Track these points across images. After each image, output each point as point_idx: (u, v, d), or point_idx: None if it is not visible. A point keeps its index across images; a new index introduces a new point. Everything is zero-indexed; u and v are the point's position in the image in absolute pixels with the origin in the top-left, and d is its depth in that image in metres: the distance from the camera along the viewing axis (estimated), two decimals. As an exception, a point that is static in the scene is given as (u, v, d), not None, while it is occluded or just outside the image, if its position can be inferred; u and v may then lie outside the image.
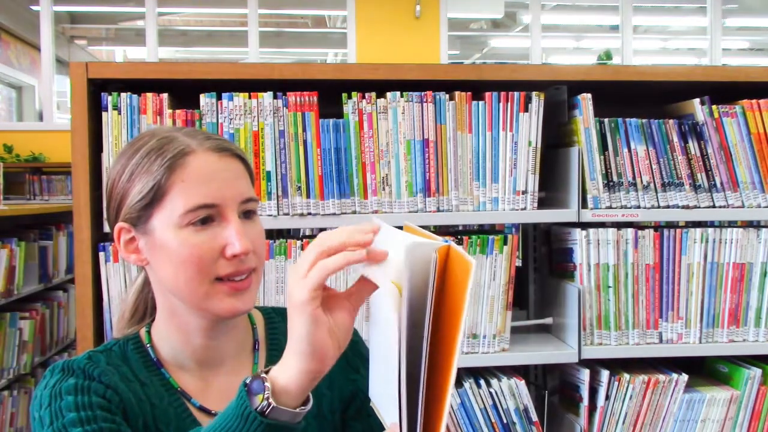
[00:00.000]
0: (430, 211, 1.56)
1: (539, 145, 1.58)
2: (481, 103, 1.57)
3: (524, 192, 1.58)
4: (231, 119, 1.51)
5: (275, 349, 1.01)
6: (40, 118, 6.74)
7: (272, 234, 1.65)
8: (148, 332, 0.98)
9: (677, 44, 9.43)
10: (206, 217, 0.87)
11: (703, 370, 1.78)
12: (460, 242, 1.55)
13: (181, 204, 0.87)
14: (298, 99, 1.53)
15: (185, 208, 0.87)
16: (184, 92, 1.56)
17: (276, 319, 1.05)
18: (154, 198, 0.88)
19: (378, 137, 1.55)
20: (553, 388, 1.79)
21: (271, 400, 0.72)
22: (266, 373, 0.74)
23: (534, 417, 1.58)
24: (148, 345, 0.97)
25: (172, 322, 0.95)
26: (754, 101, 1.63)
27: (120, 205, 0.91)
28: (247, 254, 0.88)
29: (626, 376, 1.60)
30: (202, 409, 0.95)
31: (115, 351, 0.96)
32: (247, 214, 0.91)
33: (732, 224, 1.70)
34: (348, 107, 1.54)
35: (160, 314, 0.97)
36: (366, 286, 0.76)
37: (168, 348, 0.96)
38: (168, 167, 0.88)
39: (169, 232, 0.87)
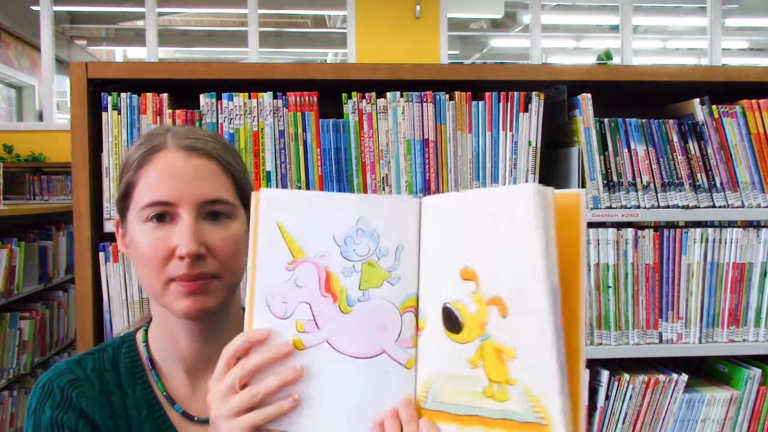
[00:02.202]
0: (430, 211, 1.56)
1: (539, 145, 1.58)
2: (481, 103, 1.57)
3: (524, 192, 1.58)
4: (231, 119, 1.51)
5: None
6: (40, 118, 6.74)
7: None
8: (146, 331, 0.98)
9: (677, 44, 9.44)
10: (161, 214, 0.86)
11: (703, 370, 1.78)
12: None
13: (140, 199, 0.88)
14: (298, 99, 1.53)
15: (141, 204, 0.87)
16: (184, 92, 1.56)
17: None
18: (126, 191, 0.90)
19: (378, 137, 1.55)
20: (553, 388, 1.79)
21: None
22: None
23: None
24: (143, 344, 0.97)
25: (159, 321, 0.95)
26: (754, 101, 1.63)
27: (117, 197, 0.94)
28: (194, 256, 0.84)
29: (626, 376, 1.60)
30: (186, 415, 0.93)
31: (108, 353, 0.96)
32: (215, 216, 0.88)
33: (732, 224, 1.70)
34: (348, 107, 1.54)
35: (152, 313, 0.97)
36: None
37: (159, 349, 0.96)
38: (139, 162, 0.89)
39: (136, 227, 0.88)
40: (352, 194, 0.76)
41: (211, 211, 0.88)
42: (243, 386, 0.72)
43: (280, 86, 1.53)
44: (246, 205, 0.91)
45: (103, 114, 1.49)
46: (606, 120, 1.60)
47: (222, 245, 0.87)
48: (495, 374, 0.67)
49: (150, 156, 0.88)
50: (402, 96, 1.54)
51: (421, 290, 0.73)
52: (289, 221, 0.74)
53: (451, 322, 0.70)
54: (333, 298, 0.73)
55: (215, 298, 0.88)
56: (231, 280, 0.90)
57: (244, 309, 0.99)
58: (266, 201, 0.75)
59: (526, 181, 1.58)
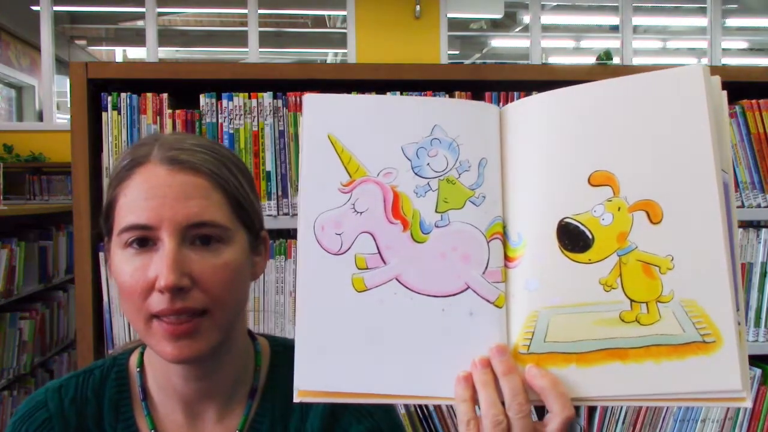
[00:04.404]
0: (430, 211, 1.56)
1: (539, 145, 1.58)
2: (481, 103, 1.57)
3: (524, 192, 1.58)
4: (231, 119, 1.51)
5: (268, 398, 0.86)
6: (40, 118, 6.74)
7: (273, 234, 1.65)
8: (143, 353, 0.87)
9: (677, 44, 9.43)
10: (141, 239, 0.74)
11: (703, 370, 1.78)
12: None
13: (119, 221, 0.76)
14: (298, 99, 1.53)
15: (119, 227, 0.75)
16: (184, 92, 1.57)
17: (280, 359, 0.89)
18: (107, 212, 0.79)
19: (378, 137, 1.55)
20: (553, 388, 1.79)
21: None
22: None
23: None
24: (138, 369, 0.86)
25: (151, 351, 0.83)
26: (754, 101, 1.63)
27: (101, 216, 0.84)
28: (174, 289, 0.71)
29: (626, 376, 1.60)
30: None
31: (96, 376, 0.86)
32: (205, 241, 0.74)
33: (732, 224, 1.70)
34: (348, 107, 1.54)
35: None
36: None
37: (153, 379, 0.85)
38: (120, 178, 0.78)
39: (116, 253, 0.76)
40: (425, 97, 0.62)
41: (199, 235, 0.74)
42: None
43: (280, 86, 1.54)
44: (247, 226, 0.80)
45: (103, 114, 1.49)
46: (606, 120, 1.60)
47: (210, 276, 0.73)
48: (640, 292, 0.58)
49: (131, 171, 0.76)
50: (402, 96, 1.54)
51: (510, 212, 0.63)
52: (343, 133, 0.63)
53: (575, 239, 0.60)
54: (403, 225, 0.62)
55: (205, 340, 0.74)
56: (223, 317, 0.75)
57: (250, 333, 0.89)
58: (313, 109, 0.64)
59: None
